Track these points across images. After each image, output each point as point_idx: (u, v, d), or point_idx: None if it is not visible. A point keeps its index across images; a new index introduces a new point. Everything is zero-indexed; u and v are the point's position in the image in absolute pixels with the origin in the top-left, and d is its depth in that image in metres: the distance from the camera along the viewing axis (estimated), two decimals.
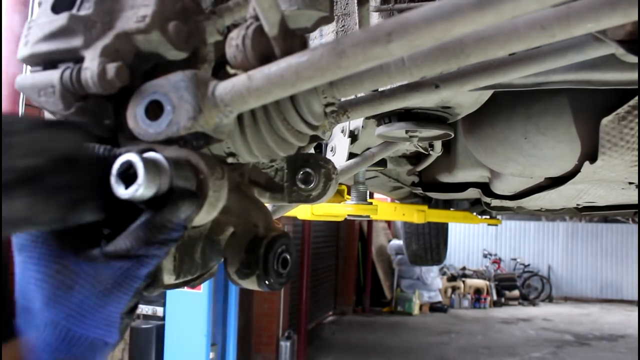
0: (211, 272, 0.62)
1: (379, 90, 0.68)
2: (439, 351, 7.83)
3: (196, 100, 0.46)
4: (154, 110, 0.47)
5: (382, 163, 2.20)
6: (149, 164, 0.44)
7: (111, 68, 0.47)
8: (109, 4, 0.51)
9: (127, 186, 0.44)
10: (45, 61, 0.51)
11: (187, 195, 0.46)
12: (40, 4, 0.53)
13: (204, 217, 0.49)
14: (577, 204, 2.80)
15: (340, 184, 2.73)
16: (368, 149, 1.51)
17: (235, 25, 0.54)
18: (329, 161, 0.70)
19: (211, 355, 4.10)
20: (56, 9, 0.51)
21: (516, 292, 12.71)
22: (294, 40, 0.54)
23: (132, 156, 0.44)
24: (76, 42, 0.49)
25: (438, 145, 1.65)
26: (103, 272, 0.43)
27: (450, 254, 12.52)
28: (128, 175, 0.44)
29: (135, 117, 0.48)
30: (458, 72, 0.65)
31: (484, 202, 3.12)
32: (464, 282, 12.28)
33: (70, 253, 0.44)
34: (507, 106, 1.31)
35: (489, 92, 1.11)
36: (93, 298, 0.43)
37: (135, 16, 0.49)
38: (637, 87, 0.88)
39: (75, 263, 0.43)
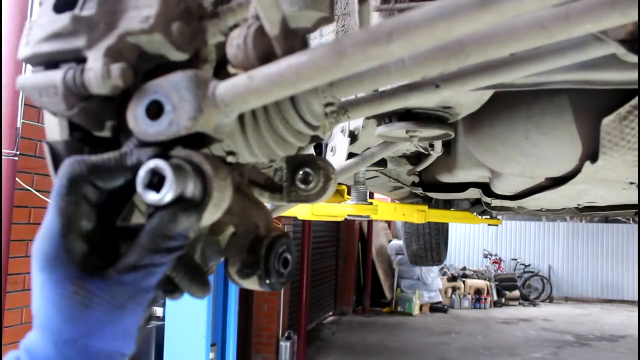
0: (209, 271, 0.63)
1: (380, 90, 0.68)
2: (439, 351, 7.83)
3: (196, 100, 0.46)
4: (155, 110, 0.47)
5: (382, 163, 2.20)
6: (176, 169, 0.45)
7: (115, 69, 0.47)
8: (112, 4, 0.50)
9: (155, 191, 0.45)
10: (47, 61, 0.51)
11: (189, 203, 0.46)
12: (41, 3, 0.53)
13: (208, 218, 0.49)
14: (578, 204, 2.80)
15: (340, 184, 2.73)
16: (368, 148, 1.51)
17: (236, 26, 0.54)
18: (327, 161, 0.70)
19: (211, 355, 4.10)
20: (58, 9, 0.51)
21: (516, 293, 12.71)
22: (294, 40, 0.53)
23: (158, 162, 0.45)
24: (79, 42, 0.49)
25: (438, 145, 1.65)
26: (117, 288, 0.45)
27: (451, 254, 12.53)
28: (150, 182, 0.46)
29: (136, 117, 0.48)
30: (459, 71, 0.65)
31: (484, 202, 3.13)
32: (464, 282, 12.28)
33: (87, 274, 0.45)
34: (508, 106, 1.31)
35: (490, 92, 1.11)
36: (110, 314, 0.44)
37: (139, 17, 0.49)
38: (637, 86, 0.88)
39: (91, 283, 0.44)
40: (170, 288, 0.53)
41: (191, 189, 0.46)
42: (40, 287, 0.45)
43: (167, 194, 0.44)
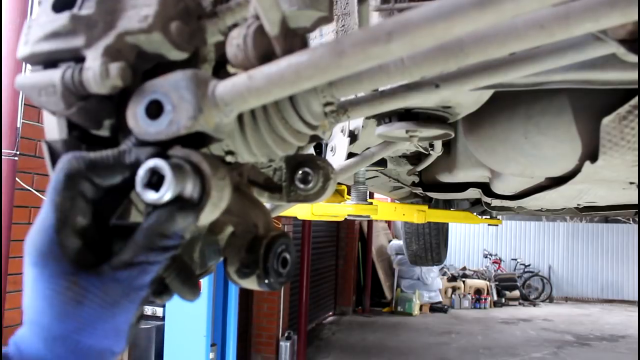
0: (209, 270, 0.63)
1: (379, 89, 0.68)
2: (439, 351, 7.83)
3: (196, 100, 0.46)
4: (154, 110, 0.47)
5: (382, 163, 2.20)
6: (175, 168, 0.45)
7: (113, 68, 0.47)
8: (111, 4, 0.50)
9: (155, 190, 0.45)
10: (46, 60, 0.51)
11: (187, 202, 0.46)
12: (40, 2, 0.53)
13: (207, 217, 0.49)
14: (578, 204, 2.80)
15: (340, 183, 2.73)
16: (368, 148, 1.50)
17: (235, 26, 0.54)
18: (327, 161, 0.71)
19: (211, 355, 4.10)
20: (57, 8, 0.51)
21: (516, 293, 12.71)
22: (294, 39, 0.54)
23: (157, 162, 0.45)
24: (78, 41, 0.49)
25: (438, 145, 1.65)
26: (111, 285, 0.44)
27: (451, 254, 12.53)
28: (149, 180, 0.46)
29: (136, 117, 0.48)
30: (458, 71, 0.65)
31: (484, 202, 3.12)
32: (464, 282, 12.28)
33: (81, 270, 0.44)
34: (508, 106, 1.31)
35: (490, 92, 1.11)
36: (102, 311, 0.44)
37: (137, 16, 0.49)
38: (637, 86, 0.88)
39: (85, 279, 0.44)
40: (160, 289, 0.52)
41: (190, 188, 0.46)
42: (32, 282, 0.44)
43: (165, 193, 0.45)
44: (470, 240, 14.47)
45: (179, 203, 0.46)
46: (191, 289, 0.53)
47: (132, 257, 0.45)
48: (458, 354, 7.76)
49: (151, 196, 0.45)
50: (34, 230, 0.45)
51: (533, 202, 2.39)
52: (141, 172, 0.45)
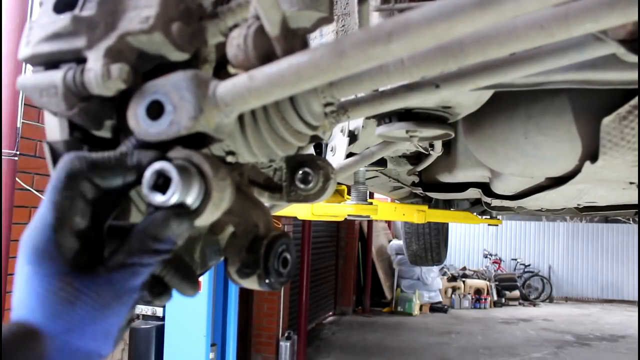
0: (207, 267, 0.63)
1: (379, 90, 0.68)
2: (439, 351, 7.83)
3: (197, 100, 0.46)
4: (155, 110, 0.47)
5: (382, 163, 2.20)
6: (181, 170, 0.45)
7: (115, 69, 0.47)
8: (112, 5, 0.50)
9: (162, 193, 0.45)
10: (47, 62, 0.51)
11: (183, 208, 0.46)
12: (41, 4, 0.53)
13: (208, 218, 0.49)
14: (578, 204, 2.80)
15: (341, 183, 2.73)
16: (368, 148, 1.51)
17: (236, 26, 0.54)
18: (327, 161, 0.71)
19: (211, 355, 4.10)
20: (58, 9, 0.51)
21: (516, 293, 12.71)
22: (295, 40, 0.54)
23: (164, 164, 0.45)
24: (79, 42, 0.49)
25: (438, 145, 1.65)
26: (104, 287, 0.44)
27: (451, 254, 12.53)
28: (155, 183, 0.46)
29: (136, 117, 0.48)
30: (459, 71, 0.65)
31: (484, 202, 3.12)
32: (464, 282, 12.28)
33: (75, 271, 0.44)
34: (508, 106, 1.31)
35: (490, 92, 1.11)
36: (94, 312, 0.44)
37: (139, 17, 0.49)
38: (637, 86, 0.88)
39: (79, 280, 0.44)
40: (158, 290, 0.52)
41: (195, 190, 0.46)
42: (26, 280, 0.44)
43: (172, 196, 0.45)
44: (470, 240, 14.47)
45: (174, 209, 0.46)
46: (191, 284, 0.53)
47: (125, 259, 0.45)
48: (458, 353, 7.76)
49: (158, 199, 0.45)
50: (31, 228, 0.45)
51: (533, 202, 2.39)
52: (148, 174, 0.46)
